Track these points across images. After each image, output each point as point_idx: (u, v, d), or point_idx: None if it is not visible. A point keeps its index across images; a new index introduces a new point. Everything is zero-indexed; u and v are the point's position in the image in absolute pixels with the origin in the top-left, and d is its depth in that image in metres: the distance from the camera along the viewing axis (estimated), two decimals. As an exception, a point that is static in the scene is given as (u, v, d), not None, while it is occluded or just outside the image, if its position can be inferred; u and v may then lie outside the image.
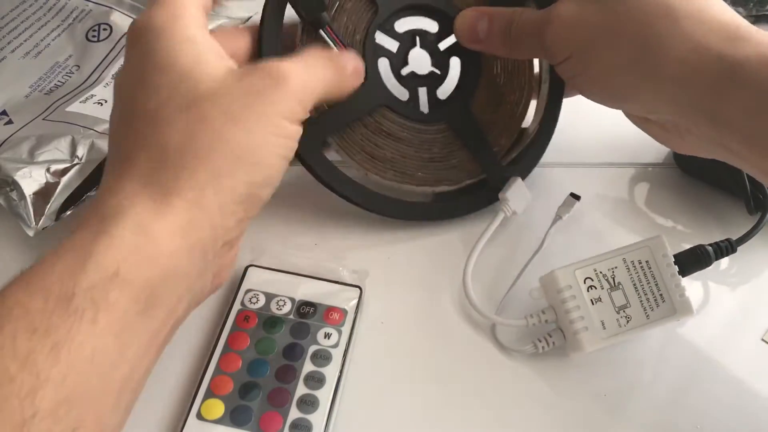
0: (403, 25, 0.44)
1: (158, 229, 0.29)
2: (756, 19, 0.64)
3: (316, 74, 0.34)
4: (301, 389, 0.35)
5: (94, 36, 0.50)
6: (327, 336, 0.37)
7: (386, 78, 0.43)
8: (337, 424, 0.35)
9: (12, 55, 0.49)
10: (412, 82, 0.44)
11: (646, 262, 0.37)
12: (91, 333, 0.26)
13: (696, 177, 0.48)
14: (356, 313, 0.38)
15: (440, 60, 0.45)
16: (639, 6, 0.35)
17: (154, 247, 0.28)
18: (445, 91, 0.45)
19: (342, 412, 0.35)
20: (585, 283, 0.36)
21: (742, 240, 0.41)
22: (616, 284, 0.37)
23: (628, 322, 0.36)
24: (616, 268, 0.37)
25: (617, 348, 0.38)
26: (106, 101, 0.46)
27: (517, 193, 0.44)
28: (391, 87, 0.43)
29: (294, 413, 0.34)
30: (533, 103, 0.47)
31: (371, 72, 0.41)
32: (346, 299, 0.39)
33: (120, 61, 0.49)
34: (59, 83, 0.48)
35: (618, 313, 0.36)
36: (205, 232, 0.30)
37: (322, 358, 0.36)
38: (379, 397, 0.37)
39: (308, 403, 0.35)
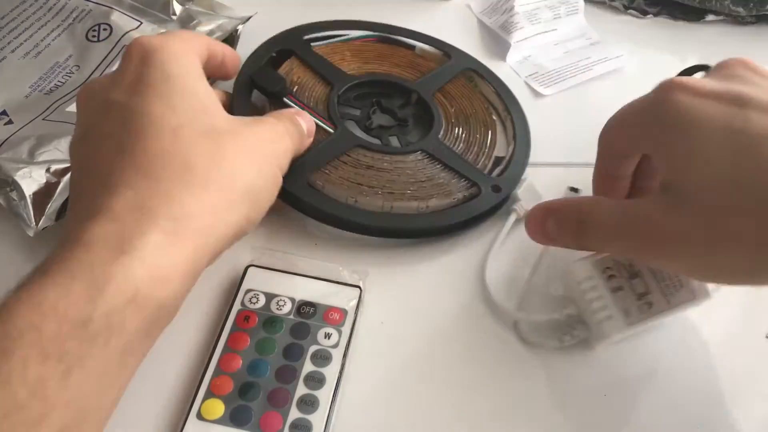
0: (360, 99, 0.50)
1: (177, 251, 0.28)
2: (757, 19, 0.64)
3: (292, 135, 0.38)
4: (301, 389, 0.35)
5: (94, 36, 0.50)
6: (327, 336, 0.37)
7: (355, 131, 0.47)
8: (337, 424, 0.35)
9: (12, 55, 0.49)
10: (380, 132, 0.48)
11: None
12: (101, 357, 0.25)
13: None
14: (356, 313, 0.38)
15: (402, 116, 0.49)
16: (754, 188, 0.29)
17: (171, 269, 0.28)
18: (412, 137, 0.49)
19: (342, 412, 0.35)
20: (605, 273, 0.37)
21: None
22: (635, 272, 0.37)
23: (650, 308, 0.36)
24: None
25: (622, 345, 0.39)
26: (106, 101, 0.46)
27: (528, 194, 0.45)
28: (361, 136, 0.46)
29: (294, 413, 0.34)
30: (503, 135, 0.50)
31: (340, 127, 0.45)
32: (346, 299, 0.39)
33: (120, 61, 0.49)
34: (59, 83, 0.48)
35: (639, 300, 0.36)
36: (206, 258, 0.31)
37: (322, 358, 0.36)
38: (379, 397, 0.37)
39: (308, 403, 0.35)
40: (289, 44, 0.51)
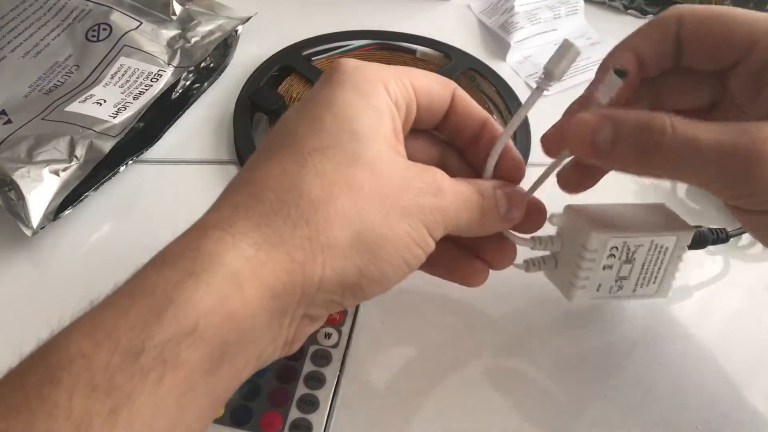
0: None
1: (252, 282, 0.25)
2: (756, 20, 0.64)
3: (464, 206, 0.31)
4: (301, 389, 0.35)
5: (93, 36, 0.50)
6: (327, 336, 0.37)
7: None
8: (337, 424, 0.35)
9: (12, 54, 0.49)
10: None
11: (665, 249, 0.37)
12: (153, 395, 0.23)
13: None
14: (356, 313, 0.38)
15: None
16: None
17: (241, 303, 0.25)
18: None
19: (342, 412, 0.35)
20: (610, 251, 0.36)
21: (736, 233, 0.42)
22: (631, 259, 0.37)
23: (618, 290, 0.37)
24: (641, 246, 0.37)
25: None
26: (105, 101, 0.46)
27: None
28: None
29: (294, 413, 0.34)
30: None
31: None
32: (346, 299, 0.39)
33: (120, 60, 0.49)
34: (59, 83, 0.48)
35: (616, 282, 0.36)
36: (294, 298, 0.26)
37: (322, 358, 0.36)
38: (379, 397, 0.36)
39: (308, 403, 0.34)
40: (289, 61, 0.52)
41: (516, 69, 0.57)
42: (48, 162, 0.41)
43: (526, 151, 0.48)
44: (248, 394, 0.34)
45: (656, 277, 0.37)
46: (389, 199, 0.28)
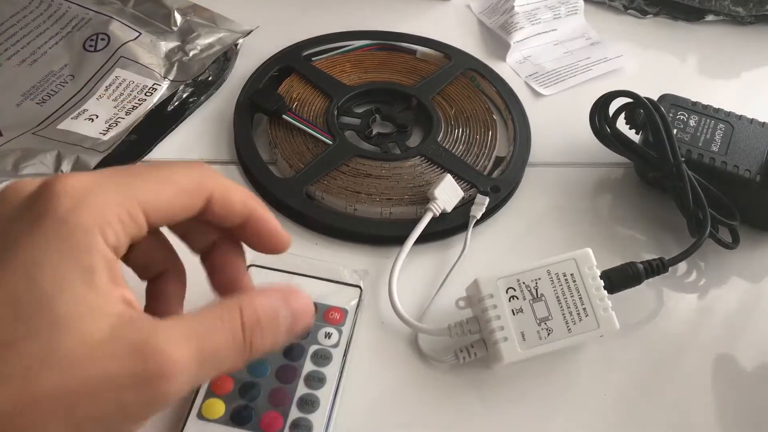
0: (360, 107, 0.51)
1: None
2: (756, 19, 0.64)
3: (213, 354, 0.25)
4: (301, 389, 0.35)
5: (91, 46, 0.50)
6: (327, 336, 0.37)
7: (355, 141, 0.47)
8: (338, 424, 0.35)
9: (8, 62, 0.49)
10: (380, 140, 0.48)
11: (571, 275, 0.36)
12: None
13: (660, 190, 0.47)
14: (356, 312, 0.38)
15: (402, 122, 0.49)
16: None
17: None
18: (413, 141, 0.49)
19: (342, 411, 0.35)
20: (507, 293, 0.36)
21: (674, 261, 0.41)
22: (539, 296, 0.36)
23: (549, 334, 0.35)
24: (539, 279, 0.36)
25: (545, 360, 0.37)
26: (97, 116, 0.46)
27: (446, 191, 0.43)
28: (361, 146, 0.47)
29: (294, 413, 0.34)
30: (504, 134, 0.50)
31: (339, 138, 0.46)
32: (346, 299, 0.39)
33: (115, 72, 0.48)
34: (52, 92, 0.47)
35: (539, 325, 0.35)
36: None
37: (322, 357, 0.36)
38: (379, 397, 0.36)
39: (308, 403, 0.34)
40: (289, 62, 0.52)
41: (516, 69, 0.57)
42: (33, 176, 0.41)
43: (525, 151, 0.48)
44: (249, 393, 0.34)
45: (585, 309, 0.36)
46: (80, 407, 0.23)
